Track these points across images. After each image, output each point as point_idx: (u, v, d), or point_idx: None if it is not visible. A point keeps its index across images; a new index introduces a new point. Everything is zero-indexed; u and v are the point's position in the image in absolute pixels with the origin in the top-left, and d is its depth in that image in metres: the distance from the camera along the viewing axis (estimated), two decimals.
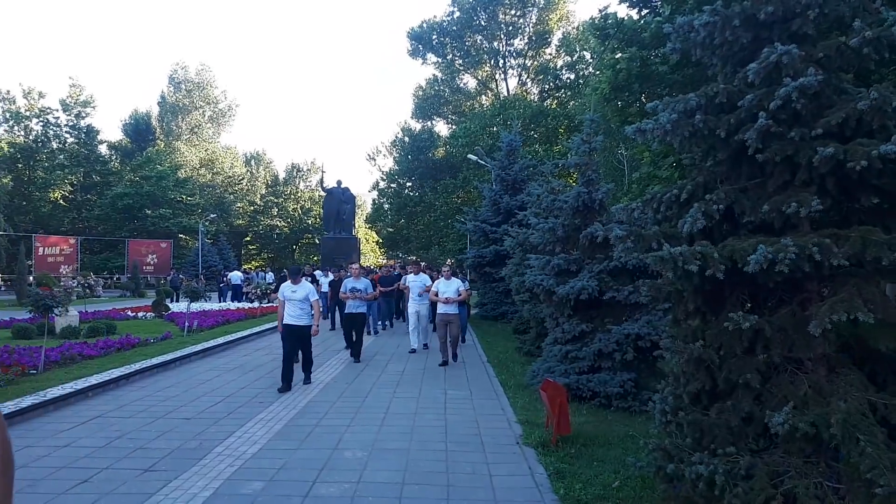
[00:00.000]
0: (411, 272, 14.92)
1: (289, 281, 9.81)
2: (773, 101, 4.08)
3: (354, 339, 12.44)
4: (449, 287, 11.90)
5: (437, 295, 11.90)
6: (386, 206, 52.77)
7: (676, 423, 4.46)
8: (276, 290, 12.08)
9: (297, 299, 9.56)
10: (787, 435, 3.74)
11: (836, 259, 3.75)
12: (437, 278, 13.82)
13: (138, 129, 62.58)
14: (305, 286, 9.73)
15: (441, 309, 11.82)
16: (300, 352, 9.90)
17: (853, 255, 3.79)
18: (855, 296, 3.74)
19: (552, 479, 5.49)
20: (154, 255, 46.69)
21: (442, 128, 54.06)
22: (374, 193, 54.61)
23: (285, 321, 9.62)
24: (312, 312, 9.72)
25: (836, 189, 4.16)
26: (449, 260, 39.82)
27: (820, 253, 3.75)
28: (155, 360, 11.32)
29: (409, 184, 50.62)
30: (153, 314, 21.39)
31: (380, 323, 17.88)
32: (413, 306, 13.78)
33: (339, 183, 34.23)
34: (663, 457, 4.40)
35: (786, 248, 3.74)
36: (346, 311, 12.75)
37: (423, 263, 19.96)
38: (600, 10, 14.03)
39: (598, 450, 6.27)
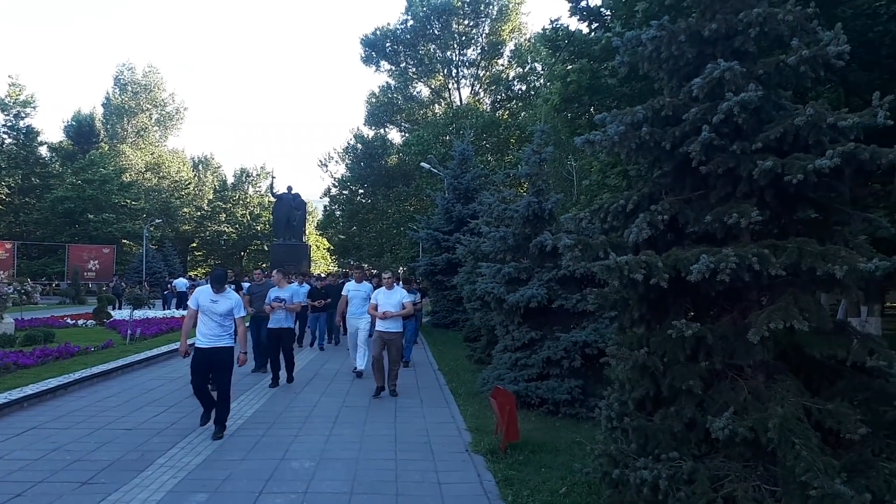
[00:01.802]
0: (353, 278, 12.54)
1: (208, 286, 7.48)
2: (716, 115, 4.21)
3: (283, 359, 10.52)
4: (390, 299, 9.69)
5: (375, 308, 9.72)
6: (338, 212, 52.33)
7: (622, 428, 4.54)
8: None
9: (217, 313, 7.23)
10: (727, 440, 3.85)
11: (774, 269, 3.89)
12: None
13: (81, 131, 60.70)
14: (231, 297, 7.41)
15: (379, 325, 9.62)
16: (213, 385, 7.49)
17: (790, 266, 3.93)
18: (791, 305, 3.88)
19: (501, 486, 5.51)
20: (96, 261, 45.33)
21: (395, 135, 54.01)
22: (326, 200, 54.06)
23: (199, 343, 7.20)
24: (235, 332, 7.44)
25: (775, 201, 4.32)
26: (401, 268, 39.71)
27: (759, 263, 3.88)
28: (95, 370, 10.96)
29: (361, 191, 50.30)
30: (94, 322, 20.72)
31: (326, 338, 16.03)
32: (353, 320, 11.41)
33: (289, 189, 33.90)
34: (609, 462, 4.46)
35: (727, 257, 3.86)
36: (269, 327, 10.66)
37: (375, 271, 19.26)
38: (552, 22, 14.24)
39: (546, 456, 6.32)
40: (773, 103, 4.50)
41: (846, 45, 4.12)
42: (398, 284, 12.72)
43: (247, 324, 8.62)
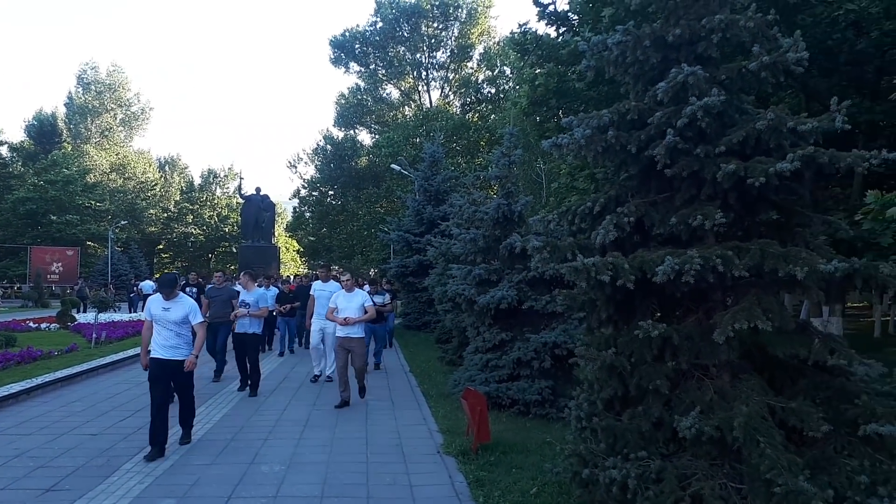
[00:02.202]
0: (318, 278, 11.88)
1: (159, 294, 6.84)
2: (681, 119, 4.29)
3: (249, 367, 9.92)
4: (350, 302, 8.94)
5: (333, 312, 9.00)
6: (307, 214, 51.99)
7: (591, 428, 4.60)
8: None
9: (171, 321, 6.62)
10: (694, 438, 3.92)
11: (738, 270, 3.97)
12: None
13: (42, 131, 59.40)
14: (184, 303, 6.77)
15: (340, 331, 8.92)
16: (176, 395, 7.16)
17: (753, 267, 4.02)
18: (755, 305, 3.97)
19: (472, 487, 5.54)
20: (59, 264, 44.43)
21: (365, 137, 53.84)
22: (296, 201, 53.70)
23: (154, 353, 6.64)
24: (190, 341, 6.84)
25: (739, 204, 4.41)
26: (372, 270, 39.56)
27: (723, 264, 3.96)
28: (59, 374, 10.74)
29: (331, 192, 50.07)
30: (58, 325, 20.29)
31: (296, 341, 15.42)
32: (317, 322, 10.61)
33: (258, 190, 33.57)
34: (579, 462, 4.52)
35: (691, 259, 3.93)
36: (234, 332, 10.18)
37: (340, 272, 18.92)
38: (520, 26, 14.35)
39: (516, 457, 6.36)
40: (735, 108, 4.60)
41: (805, 51, 4.23)
42: (366, 287, 12.64)
43: None
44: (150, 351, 6.70)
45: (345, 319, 8.78)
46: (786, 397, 4.13)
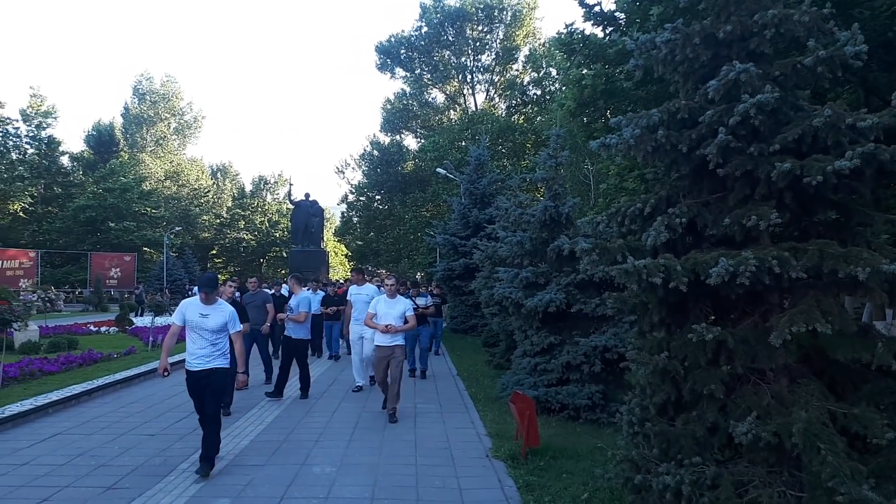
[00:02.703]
0: (354, 282, 11.33)
1: (197, 297, 6.30)
2: (733, 118, 4.19)
3: (299, 371, 9.96)
4: (391, 309, 8.46)
5: (372, 318, 8.52)
6: (355, 219, 52.56)
7: (643, 434, 4.52)
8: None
9: (208, 329, 6.12)
10: (750, 444, 3.82)
11: (795, 272, 3.85)
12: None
13: (101, 141, 61.47)
14: (224, 309, 6.28)
15: (379, 339, 8.48)
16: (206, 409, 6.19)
17: (811, 268, 3.89)
18: (814, 307, 3.84)
19: (522, 492, 5.51)
20: (117, 269, 45.89)
21: (411, 141, 54.18)
22: (343, 206, 54.36)
23: (189, 365, 6.17)
24: (226, 350, 6.30)
25: (795, 203, 4.28)
26: (419, 274, 39.64)
27: (779, 266, 3.85)
28: (118, 376, 11.09)
29: (377, 197, 50.50)
30: (117, 329, 20.97)
31: (342, 346, 14.84)
32: (356, 329, 10.18)
33: (307, 196, 34.02)
34: (631, 468, 4.44)
35: (746, 260, 3.83)
36: (285, 334, 10.14)
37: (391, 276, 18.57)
38: (566, 26, 14.22)
39: (567, 462, 6.31)
40: (790, 104, 4.47)
41: (864, 45, 4.09)
42: (408, 292, 12.25)
43: None
44: (183, 360, 6.31)
45: (386, 327, 8.33)
46: (848, 403, 3.98)
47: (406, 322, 8.48)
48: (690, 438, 4.17)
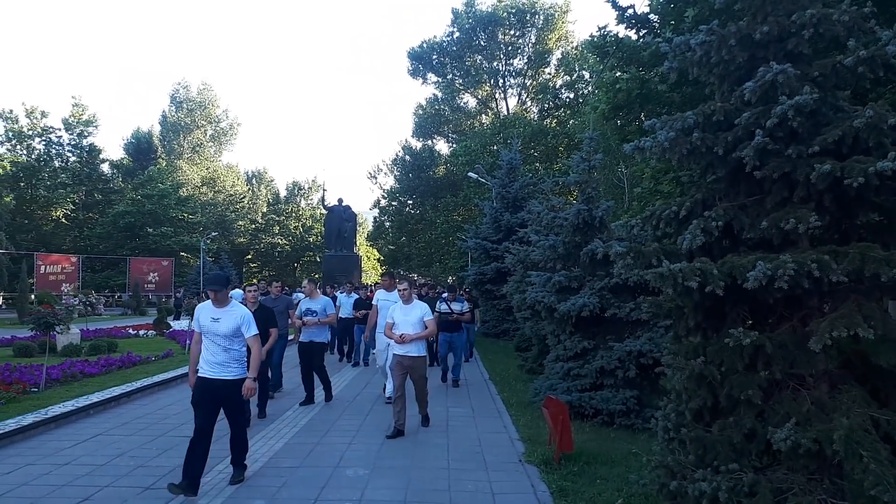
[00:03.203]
0: (383, 286, 10.60)
1: (208, 300, 5.91)
2: (770, 119, 4.13)
3: (318, 374, 9.74)
4: (408, 316, 7.87)
5: (391, 328, 7.92)
6: (387, 223, 52.86)
7: (679, 439, 4.46)
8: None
9: (220, 334, 5.66)
10: (789, 451, 3.75)
11: (836, 275, 3.77)
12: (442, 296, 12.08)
13: (140, 148, 62.82)
14: (237, 312, 5.79)
15: (397, 349, 7.88)
16: (229, 419, 5.89)
17: (852, 272, 3.81)
18: (855, 312, 3.76)
19: (555, 497, 5.48)
20: (155, 274, 46.76)
21: (442, 146, 54.28)
22: (376, 211, 54.72)
23: (202, 371, 5.70)
24: (243, 358, 5.81)
25: (835, 206, 4.20)
26: (450, 278, 39.50)
27: (819, 269, 3.77)
28: (156, 378, 11.31)
29: (409, 202, 50.71)
30: (154, 332, 21.37)
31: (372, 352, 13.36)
32: (383, 338, 8.87)
33: (340, 201, 34.40)
34: (666, 474, 4.39)
35: (784, 264, 3.77)
36: (301, 340, 9.79)
37: (424, 280, 18.50)
38: (599, 28, 14.13)
39: (601, 467, 6.25)
40: (830, 105, 4.39)
41: None
42: (444, 294, 12.20)
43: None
44: (198, 369, 5.78)
45: (400, 337, 7.73)
46: (891, 410, 3.89)
47: (425, 327, 7.89)
48: (727, 444, 4.11)
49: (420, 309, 7.97)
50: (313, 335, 9.71)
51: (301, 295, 10.56)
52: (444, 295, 12.54)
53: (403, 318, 7.86)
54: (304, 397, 9.70)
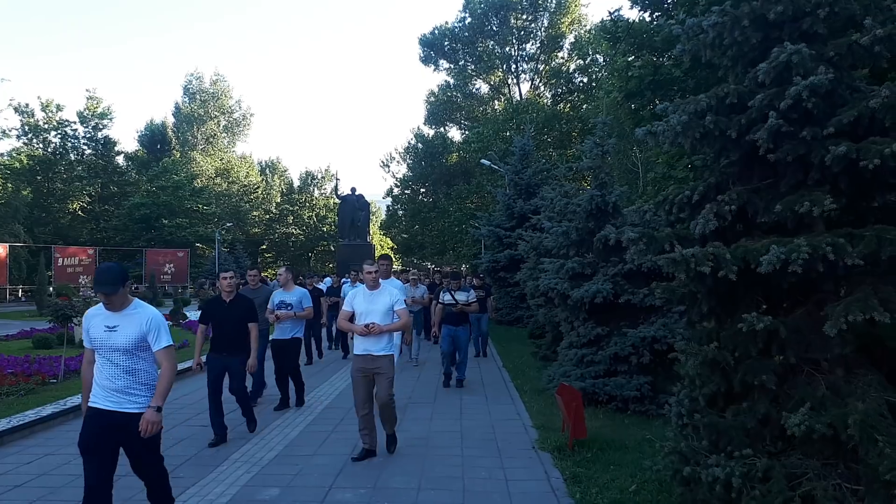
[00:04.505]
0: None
1: (100, 304, 4.21)
2: (784, 101, 4.07)
3: (290, 375, 8.69)
4: (374, 304, 6.21)
5: (352, 318, 6.27)
6: (400, 212, 52.84)
7: (692, 425, 4.44)
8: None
9: (116, 347, 4.06)
10: (804, 436, 3.72)
11: (851, 259, 3.72)
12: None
13: (154, 140, 63.15)
14: (141, 314, 4.16)
15: (358, 346, 6.27)
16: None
17: (868, 255, 3.76)
18: (871, 296, 3.71)
19: (568, 484, 5.48)
20: (171, 265, 47.12)
21: (455, 133, 54.03)
22: (389, 200, 54.72)
23: (91, 400, 4.12)
24: (152, 382, 4.18)
25: (850, 188, 4.14)
26: (464, 266, 39.40)
27: (834, 253, 3.72)
28: None
29: (422, 190, 50.66)
30: (170, 322, 21.55)
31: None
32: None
33: (353, 190, 34.42)
34: (680, 460, 4.38)
35: (799, 248, 3.72)
36: (272, 338, 8.78)
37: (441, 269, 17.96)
38: (610, 13, 14.02)
39: (614, 454, 6.24)
40: (846, 86, 4.31)
41: None
42: (464, 281, 11.11)
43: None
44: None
45: (367, 327, 6.11)
46: None
47: (396, 317, 6.26)
48: (741, 430, 4.09)
49: (389, 295, 6.27)
50: (287, 331, 8.62)
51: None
52: (448, 283, 10.92)
53: (368, 306, 6.20)
54: (279, 400, 8.68)
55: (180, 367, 11.55)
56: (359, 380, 6.25)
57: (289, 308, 8.56)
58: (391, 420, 6.46)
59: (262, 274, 15.51)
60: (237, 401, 7.23)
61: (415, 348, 12.19)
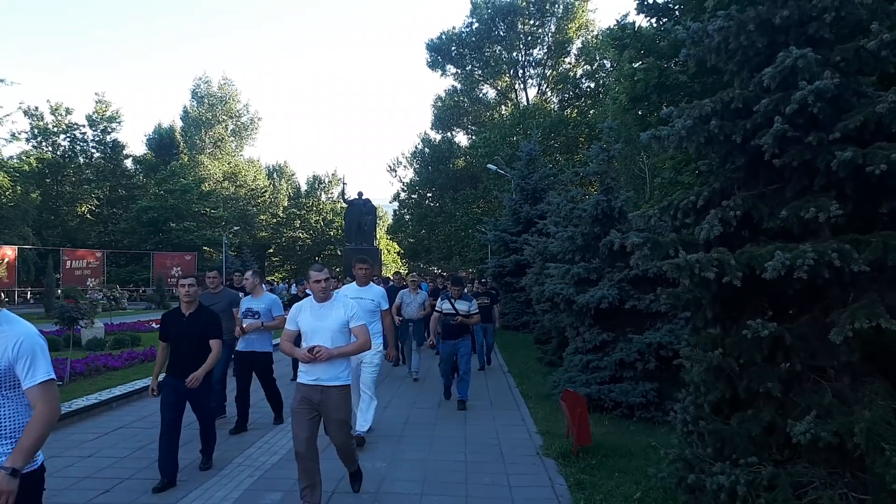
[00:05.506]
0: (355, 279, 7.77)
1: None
2: (790, 106, 4.04)
3: (266, 391, 7.98)
4: (324, 320, 4.96)
5: (295, 340, 5.08)
6: (407, 216, 52.89)
7: (697, 432, 4.41)
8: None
9: None
10: (810, 444, 3.67)
11: (857, 265, 3.68)
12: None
13: (162, 144, 63.39)
14: (12, 332, 2.85)
15: (305, 373, 4.90)
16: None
17: (875, 261, 3.72)
18: (877, 303, 3.67)
19: (572, 491, 5.45)
20: (178, 268, 47.22)
21: (462, 138, 54.10)
22: (395, 204, 54.78)
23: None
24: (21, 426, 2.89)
25: (857, 194, 4.10)
26: (469, 270, 39.35)
27: (840, 259, 3.69)
28: None
29: (429, 194, 50.71)
30: None
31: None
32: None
33: (360, 194, 34.41)
34: (684, 467, 4.34)
35: (804, 254, 3.69)
36: (237, 349, 7.83)
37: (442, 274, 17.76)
38: (617, 21, 14.01)
39: (619, 461, 6.20)
40: (852, 91, 4.28)
41: None
42: (444, 291, 9.58)
43: None
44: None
45: (311, 351, 4.77)
46: None
47: (353, 337, 5.04)
48: (746, 438, 4.04)
49: (344, 308, 5.03)
50: (254, 343, 7.75)
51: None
52: (447, 289, 9.64)
53: (315, 323, 4.95)
54: (235, 423, 7.69)
55: None
56: (301, 414, 4.85)
57: (256, 317, 7.67)
58: (351, 460, 5.23)
59: (268, 278, 14.97)
60: (199, 421, 6.10)
61: (415, 362, 11.39)
